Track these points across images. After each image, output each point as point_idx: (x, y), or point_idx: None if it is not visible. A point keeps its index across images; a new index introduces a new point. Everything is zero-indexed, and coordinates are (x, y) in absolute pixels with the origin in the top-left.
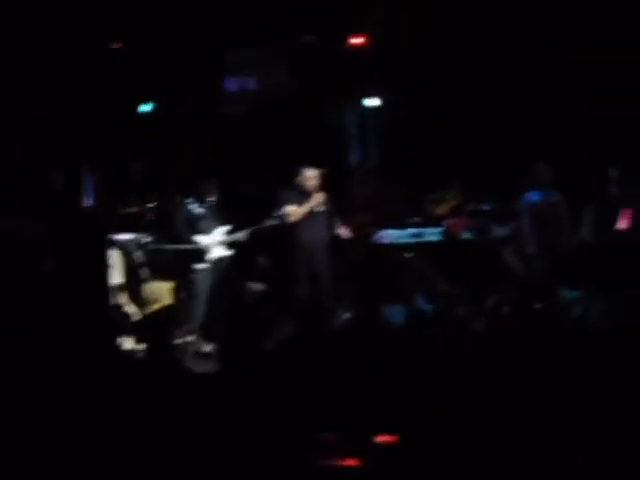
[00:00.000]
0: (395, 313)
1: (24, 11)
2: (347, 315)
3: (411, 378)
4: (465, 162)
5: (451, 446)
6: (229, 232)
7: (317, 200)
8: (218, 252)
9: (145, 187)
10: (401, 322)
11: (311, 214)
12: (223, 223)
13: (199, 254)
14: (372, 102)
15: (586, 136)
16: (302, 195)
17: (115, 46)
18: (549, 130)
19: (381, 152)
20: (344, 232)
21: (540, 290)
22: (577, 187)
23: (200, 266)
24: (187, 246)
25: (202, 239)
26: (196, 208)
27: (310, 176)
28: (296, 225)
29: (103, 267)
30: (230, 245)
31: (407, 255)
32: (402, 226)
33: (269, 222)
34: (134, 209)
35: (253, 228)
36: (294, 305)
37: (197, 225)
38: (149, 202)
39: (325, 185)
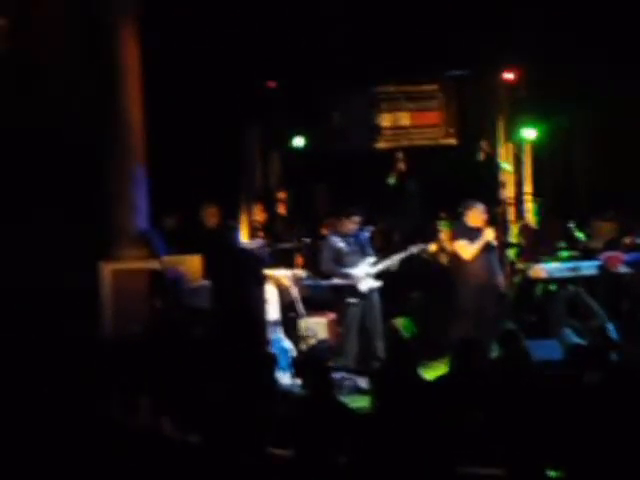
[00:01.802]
0: (550, 347)
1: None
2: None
3: (576, 414)
4: (622, 194)
5: None
6: (375, 263)
7: (490, 235)
8: (367, 284)
9: (296, 223)
10: (558, 357)
11: (483, 249)
12: (370, 255)
13: (349, 288)
14: (527, 135)
15: None
16: (469, 230)
17: (271, 85)
18: None
19: (536, 185)
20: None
21: None
22: None
23: (351, 300)
24: (337, 281)
25: (351, 272)
26: (341, 243)
27: (482, 211)
28: (467, 261)
29: (262, 302)
30: (379, 276)
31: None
32: (558, 259)
33: (414, 248)
34: (288, 244)
35: (402, 255)
36: (451, 341)
37: (344, 259)
38: (300, 238)
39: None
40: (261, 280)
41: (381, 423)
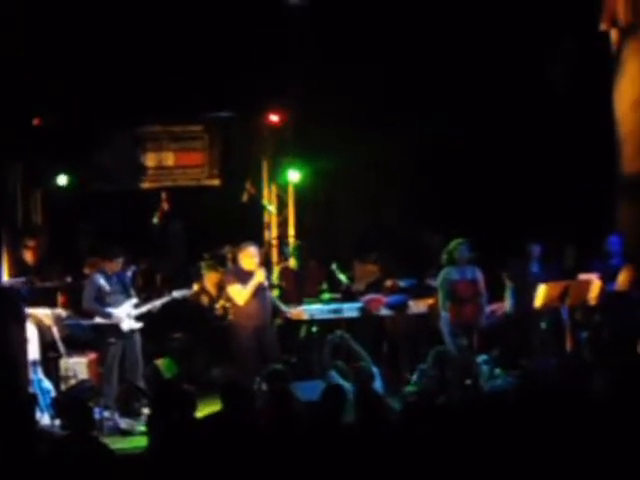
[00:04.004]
0: (311, 389)
1: None
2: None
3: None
4: (383, 239)
5: None
6: (137, 305)
7: (261, 277)
8: (128, 325)
9: (58, 261)
10: (317, 398)
11: (256, 291)
12: (132, 296)
13: (111, 328)
14: (291, 177)
15: (504, 213)
16: (242, 272)
17: (35, 122)
18: (467, 206)
19: (299, 227)
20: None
21: (463, 365)
22: (497, 264)
23: (112, 340)
24: (99, 320)
25: (112, 312)
26: (103, 282)
27: (254, 253)
28: (240, 305)
29: (22, 341)
30: (141, 317)
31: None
32: (320, 301)
33: (175, 293)
34: (50, 283)
35: (164, 299)
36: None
37: (106, 298)
38: (63, 276)
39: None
40: (21, 318)
41: (156, 463)
